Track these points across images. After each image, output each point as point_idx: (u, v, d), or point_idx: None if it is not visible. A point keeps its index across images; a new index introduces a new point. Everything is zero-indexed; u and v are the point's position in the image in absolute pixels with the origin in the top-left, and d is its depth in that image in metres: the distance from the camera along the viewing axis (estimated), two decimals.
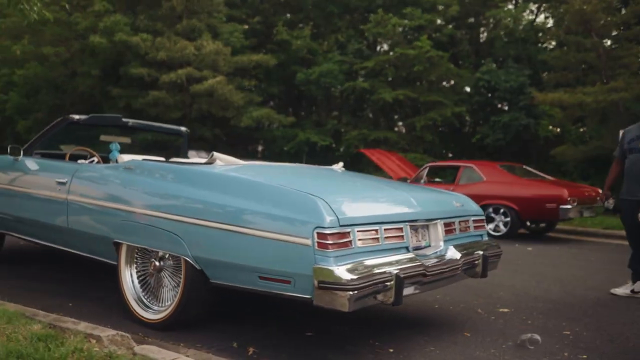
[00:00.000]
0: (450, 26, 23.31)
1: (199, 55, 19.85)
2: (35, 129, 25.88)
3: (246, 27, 23.98)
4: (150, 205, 3.41)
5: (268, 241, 2.83)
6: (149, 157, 4.22)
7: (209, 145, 22.20)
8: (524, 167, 10.59)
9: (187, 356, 2.80)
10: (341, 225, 2.74)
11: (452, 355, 3.19)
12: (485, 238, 4.07)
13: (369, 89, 21.69)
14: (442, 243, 3.49)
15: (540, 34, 22.39)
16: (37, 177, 4.47)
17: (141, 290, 3.60)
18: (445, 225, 3.58)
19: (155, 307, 3.49)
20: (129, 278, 3.62)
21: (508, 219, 9.13)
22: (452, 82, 22.39)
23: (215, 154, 3.75)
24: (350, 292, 2.62)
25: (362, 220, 2.88)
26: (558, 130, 19.69)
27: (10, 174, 4.71)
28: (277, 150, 23.40)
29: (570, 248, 8.34)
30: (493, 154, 19.76)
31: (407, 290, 3.06)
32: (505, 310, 4.31)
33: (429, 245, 3.44)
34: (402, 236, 3.14)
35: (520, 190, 9.17)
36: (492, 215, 9.28)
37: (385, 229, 3.01)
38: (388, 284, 2.81)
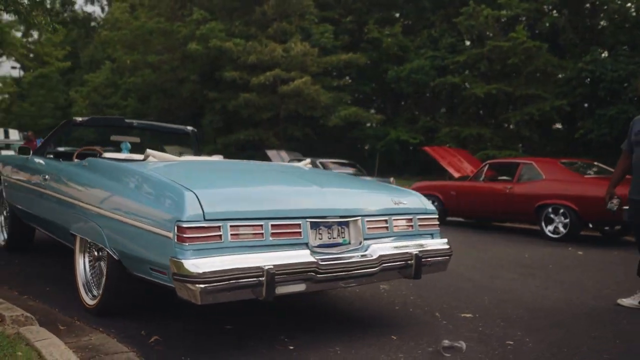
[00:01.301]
0: (552, 13, 21.80)
1: (287, 57, 20.44)
2: None
3: (338, 27, 24.21)
4: (87, 199, 3.67)
5: (147, 233, 2.93)
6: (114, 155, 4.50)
7: (299, 144, 22.77)
8: (596, 164, 9.66)
9: (77, 339, 2.99)
10: (207, 220, 2.75)
11: (352, 356, 3.07)
12: (437, 238, 3.83)
13: (461, 84, 20.94)
14: (362, 241, 3.36)
15: None
16: (35, 174, 4.93)
17: (91, 277, 3.86)
18: (370, 222, 3.43)
19: (95, 293, 3.74)
20: (82, 266, 3.90)
21: (567, 220, 8.40)
22: (553, 74, 20.90)
23: (149, 151, 3.91)
24: (201, 285, 2.64)
25: (238, 215, 2.86)
26: None
27: (21, 171, 5.25)
28: (368, 148, 23.35)
29: (631, 254, 7.47)
30: (598, 150, 18.21)
31: (296, 287, 3.00)
32: (467, 315, 4.01)
33: (348, 243, 3.33)
34: (299, 232, 3.08)
35: (581, 189, 8.38)
36: (551, 216, 8.60)
37: (273, 225, 2.97)
38: (259, 279, 2.79)
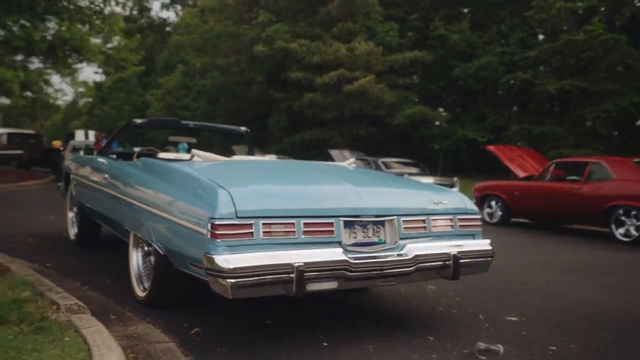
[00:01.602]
0: (635, 3, 20.59)
1: (352, 57, 20.47)
2: None
3: (403, 25, 23.96)
4: (137, 196, 3.88)
5: (186, 229, 3.06)
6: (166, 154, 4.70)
7: (364, 143, 22.74)
8: None
9: (124, 328, 3.18)
10: (239, 217, 2.85)
11: (384, 354, 3.07)
12: (479, 238, 3.76)
13: (532, 80, 20.18)
14: (398, 240, 3.36)
15: None
16: (97, 173, 5.24)
17: (143, 271, 4.08)
18: (406, 222, 3.42)
19: (145, 286, 3.94)
20: (135, 260, 4.12)
21: None
22: (633, 67, 19.74)
23: (195, 151, 4.07)
24: (232, 280, 2.74)
25: (270, 214, 2.94)
26: None
27: (86, 170, 5.59)
28: (434, 148, 22.96)
29: None
30: None
31: (327, 285, 3.04)
32: (513, 319, 3.91)
33: (384, 242, 3.34)
34: (332, 231, 3.12)
35: None
36: (622, 218, 8.17)
37: (305, 223, 3.03)
38: (289, 276, 2.85)
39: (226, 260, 2.75)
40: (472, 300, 4.42)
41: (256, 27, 22.70)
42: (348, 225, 3.20)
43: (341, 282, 3.06)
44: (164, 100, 32.03)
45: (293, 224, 3.00)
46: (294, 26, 22.81)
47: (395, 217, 3.37)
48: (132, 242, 4.14)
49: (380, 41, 21.93)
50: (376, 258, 3.19)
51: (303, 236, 3.02)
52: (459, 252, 3.45)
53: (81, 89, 19.13)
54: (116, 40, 24.87)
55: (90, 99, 47.81)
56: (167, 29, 49.20)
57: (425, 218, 3.51)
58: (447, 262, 3.42)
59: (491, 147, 12.56)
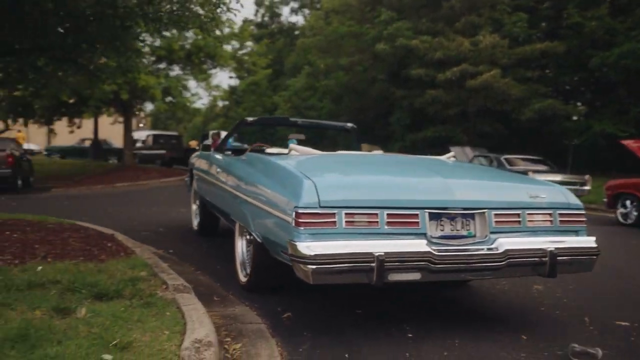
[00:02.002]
0: None
1: (475, 51, 19.79)
2: None
3: (533, 15, 22.62)
4: (240, 187, 4.15)
5: (277, 218, 3.24)
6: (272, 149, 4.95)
7: (490, 140, 21.87)
8: None
9: (224, 309, 3.45)
10: (322, 207, 2.95)
11: (468, 349, 3.02)
12: (583, 235, 3.52)
13: None
14: (488, 234, 3.27)
15: None
16: (212, 168, 5.64)
17: (246, 258, 4.35)
18: (499, 216, 3.32)
19: (247, 272, 4.20)
20: (240, 248, 4.41)
21: None
22: None
23: (292, 145, 4.24)
24: (312, 267, 2.85)
25: (353, 204, 3.01)
26: None
27: (204, 165, 6.04)
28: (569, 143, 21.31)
29: None
30: None
31: (409, 275, 3.05)
32: (623, 323, 3.60)
33: (473, 235, 3.28)
34: (417, 222, 3.12)
35: None
36: None
37: (389, 214, 3.06)
38: (369, 265, 2.91)
39: (308, 247, 2.88)
40: (581, 302, 4.15)
41: (378, 25, 22.78)
42: (435, 217, 3.18)
43: (425, 273, 3.06)
44: (290, 101, 33.29)
45: (376, 214, 3.05)
46: (416, 23, 22.55)
47: (486, 210, 3.29)
48: (237, 231, 4.43)
49: (507, 33, 20.94)
50: (462, 251, 3.14)
51: (386, 227, 3.06)
52: (556, 248, 3.28)
53: (215, 93, 20.59)
54: (248, 46, 26.47)
55: (227, 102, 51.06)
56: (296, 32, 50.99)
57: (520, 212, 3.37)
58: (543, 259, 3.26)
59: (628, 142, 11.48)
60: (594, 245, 3.46)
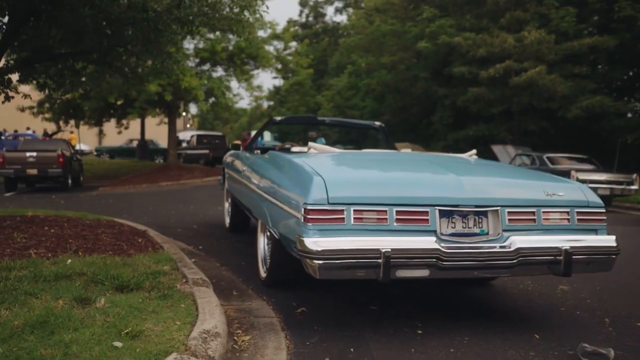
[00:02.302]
0: None
1: (520, 47, 19.32)
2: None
3: (583, 9, 21.86)
4: (260, 185, 4.25)
5: (289, 214, 3.30)
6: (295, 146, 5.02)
7: (535, 139, 21.31)
8: None
9: (241, 302, 3.55)
10: (330, 203, 3.00)
11: (477, 347, 3.00)
12: (603, 234, 3.44)
13: None
14: (501, 232, 3.24)
15: None
16: (238, 166, 5.74)
17: (267, 254, 4.44)
18: (512, 213, 3.28)
19: (267, 267, 4.29)
20: (262, 244, 4.50)
21: None
22: None
23: (311, 143, 4.29)
24: (319, 262, 2.90)
25: (362, 201, 3.04)
26: None
27: (233, 164, 6.17)
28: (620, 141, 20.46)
29: None
30: None
31: (417, 272, 3.07)
32: None
33: (486, 233, 3.26)
34: (426, 220, 3.12)
35: None
36: None
37: (398, 211, 3.08)
38: (376, 261, 2.94)
39: (315, 242, 2.94)
40: (605, 303, 4.05)
41: (420, 23, 22.56)
42: (446, 214, 3.19)
43: (433, 270, 3.07)
44: (333, 100, 33.33)
45: (385, 211, 3.08)
46: (460, 20, 22.20)
47: (498, 208, 3.26)
48: (260, 228, 4.54)
49: (554, 28, 20.33)
50: (472, 249, 3.13)
51: (395, 224, 3.09)
52: (571, 247, 3.22)
53: (256, 93, 20.85)
54: (291, 47, 26.79)
55: (272, 102, 51.70)
56: (340, 32, 51.05)
57: (535, 210, 3.33)
58: (558, 257, 3.22)
59: None
60: (614, 244, 3.37)
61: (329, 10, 78.06)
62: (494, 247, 3.20)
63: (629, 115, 21.02)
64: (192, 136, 26.26)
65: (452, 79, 22.26)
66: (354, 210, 3.04)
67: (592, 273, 4.04)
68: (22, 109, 19.59)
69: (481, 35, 20.39)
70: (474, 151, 4.58)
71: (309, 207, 3.01)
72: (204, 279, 3.78)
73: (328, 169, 3.35)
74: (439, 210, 3.16)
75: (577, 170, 12.27)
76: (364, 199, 3.08)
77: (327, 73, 44.79)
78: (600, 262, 3.36)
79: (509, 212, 3.28)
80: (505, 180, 3.70)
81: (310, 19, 56.23)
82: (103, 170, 22.39)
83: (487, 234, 3.25)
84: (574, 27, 20.64)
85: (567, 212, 3.39)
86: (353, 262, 2.94)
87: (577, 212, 3.41)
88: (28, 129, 27.90)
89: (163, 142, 27.83)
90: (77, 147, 24.38)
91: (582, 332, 3.35)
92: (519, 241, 3.21)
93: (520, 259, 3.16)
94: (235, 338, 2.97)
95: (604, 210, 3.49)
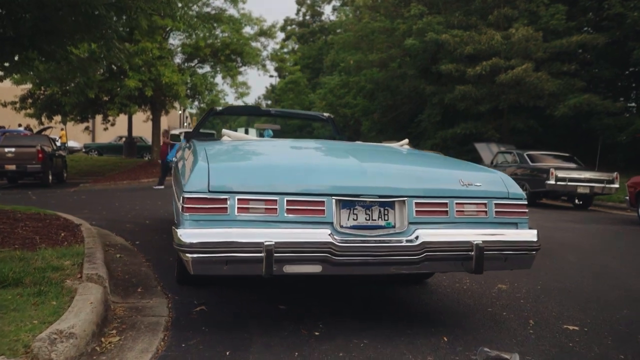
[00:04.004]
0: None
1: (508, 44, 19.02)
2: (374, 127, 29.21)
3: (574, 7, 21.57)
4: (174, 174, 3.98)
5: (178, 207, 3.04)
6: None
7: (523, 137, 21.00)
8: None
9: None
10: (212, 192, 2.73)
11: (371, 350, 2.72)
12: (524, 228, 3.16)
13: None
14: (408, 225, 2.96)
15: None
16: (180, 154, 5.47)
17: None
18: (421, 205, 3.00)
19: None
20: None
21: None
22: None
23: (225, 131, 4.01)
24: (192, 255, 2.62)
25: (249, 189, 2.77)
26: None
27: (179, 153, 5.89)
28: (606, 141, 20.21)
29: None
30: None
31: (308, 268, 2.79)
32: (572, 327, 3.22)
33: (392, 226, 2.97)
34: (322, 211, 2.84)
35: None
36: None
37: (289, 201, 2.80)
38: (256, 255, 2.66)
39: (187, 234, 2.66)
40: (540, 304, 3.77)
41: (409, 20, 22.26)
42: (346, 205, 2.91)
43: (326, 266, 2.78)
44: (325, 99, 33.07)
45: (275, 201, 2.81)
46: (449, 17, 21.90)
47: (406, 198, 2.98)
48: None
49: (544, 26, 20.03)
50: (372, 242, 2.85)
51: (287, 214, 2.80)
52: (484, 241, 2.94)
53: (241, 90, 20.47)
54: (282, 44, 26.50)
55: (269, 101, 51.53)
56: (338, 30, 50.93)
57: (448, 201, 3.05)
58: (470, 253, 2.93)
59: None
60: (534, 239, 3.09)
61: (327, 9, 77.77)
62: (400, 240, 2.93)
63: (627, 115, 20.70)
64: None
65: (440, 76, 21.96)
66: (239, 200, 2.76)
67: (511, 270, 3.74)
68: (4, 104, 19.35)
69: (469, 32, 20.09)
70: (406, 140, 4.30)
71: (187, 196, 2.73)
72: (100, 274, 3.50)
73: (221, 157, 3.08)
74: (337, 200, 2.88)
75: (557, 168, 11.98)
76: (251, 187, 2.80)
77: (322, 72, 44.52)
78: (518, 258, 3.08)
79: (417, 204, 3.00)
80: (417, 168, 3.41)
81: (307, 17, 55.99)
82: (88, 167, 22.18)
83: (394, 227, 2.98)
84: (564, 25, 20.35)
85: (484, 204, 3.11)
86: (231, 256, 2.66)
87: (496, 204, 3.12)
88: (20, 125, 27.68)
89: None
90: (70, 144, 24.14)
91: (498, 335, 3.07)
92: (426, 235, 2.93)
93: (427, 254, 2.87)
94: (103, 339, 2.69)
95: (525, 203, 3.21)
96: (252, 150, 3.63)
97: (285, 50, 28.11)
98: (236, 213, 2.75)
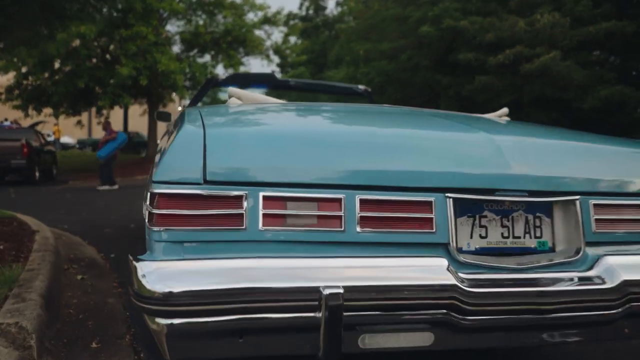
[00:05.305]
0: None
1: (532, 31, 17.59)
2: None
3: None
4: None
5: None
6: None
7: None
8: None
9: None
10: (210, 182, 1.34)
11: None
12: None
13: None
14: (582, 246, 1.56)
15: None
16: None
17: None
18: (603, 208, 1.61)
19: None
20: None
21: None
22: None
23: (232, 89, 2.57)
24: (166, 321, 1.23)
25: (282, 178, 1.39)
26: None
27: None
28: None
29: None
30: None
31: (412, 338, 1.39)
32: None
33: (549, 249, 1.58)
34: (428, 220, 1.45)
35: None
36: None
37: (363, 200, 1.41)
38: (307, 315, 1.27)
39: (156, 272, 1.26)
40: None
41: (423, 7, 20.85)
42: (467, 209, 1.51)
43: (442, 333, 1.39)
44: None
45: (338, 201, 1.41)
46: (465, 3, 20.47)
47: (578, 197, 1.58)
48: None
49: (568, 13, 18.60)
50: (528, 283, 1.45)
51: (360, 229, 1.40)
52: None
53: None
54: (282, 32, 25.20)
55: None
56: (342, 25, 49.72)
57: None
58: None
59: None
60: None
61: (330, 4, 76.51)
62: (567, 277, 1.52)
63: None
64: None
65: (457, 67, 20.51)
66: (266, 198, 1.36)
67: None
68: None
69: (489, 18, 18.68)
70: (506, 110, 2.89)
71: (157, 191, 1.34)
72: (23, 325, 2.08)
73: (228, 123, 1.69)
74: (455, 199, 1.48)
75: None
76: (288, 176, 1.40)
77: (327, 67, 43.12)
78: None
79: (595, 206, 1.60)
80: (583, 145, 1.98)
81: (311, 12, 54.53)
82: (81, 163, 20.99)
83: (553, 249, 1.58)
84: (590, 12, 18.93)
85: None
86: (254, 318, 1.26)
87: None
88: (6, 120, 26.40)
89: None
90: (54, 139, 22.86)
91: None
92: (622, 266, 1.53)
93: (633, 304, 1.48)
94: None
95: None
96: (282, 118, 2.20)
97: (288, 45, 26.81)
98: (260, 226, 1.35)
